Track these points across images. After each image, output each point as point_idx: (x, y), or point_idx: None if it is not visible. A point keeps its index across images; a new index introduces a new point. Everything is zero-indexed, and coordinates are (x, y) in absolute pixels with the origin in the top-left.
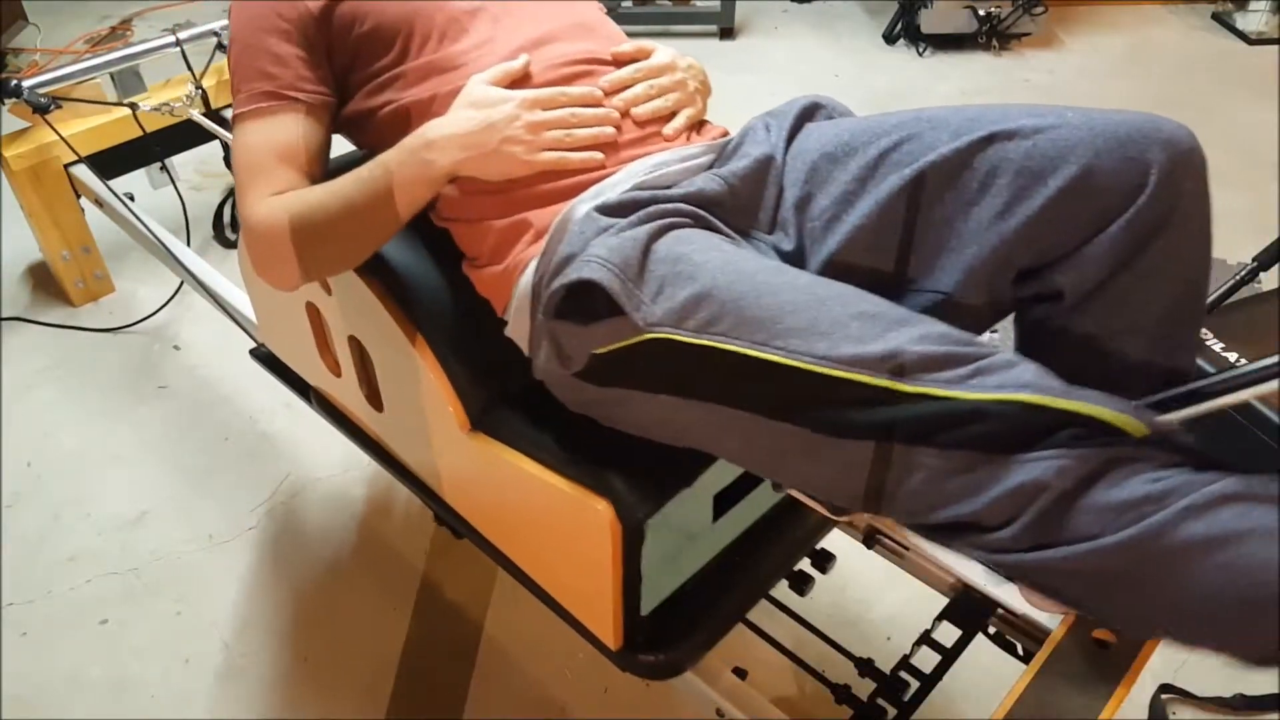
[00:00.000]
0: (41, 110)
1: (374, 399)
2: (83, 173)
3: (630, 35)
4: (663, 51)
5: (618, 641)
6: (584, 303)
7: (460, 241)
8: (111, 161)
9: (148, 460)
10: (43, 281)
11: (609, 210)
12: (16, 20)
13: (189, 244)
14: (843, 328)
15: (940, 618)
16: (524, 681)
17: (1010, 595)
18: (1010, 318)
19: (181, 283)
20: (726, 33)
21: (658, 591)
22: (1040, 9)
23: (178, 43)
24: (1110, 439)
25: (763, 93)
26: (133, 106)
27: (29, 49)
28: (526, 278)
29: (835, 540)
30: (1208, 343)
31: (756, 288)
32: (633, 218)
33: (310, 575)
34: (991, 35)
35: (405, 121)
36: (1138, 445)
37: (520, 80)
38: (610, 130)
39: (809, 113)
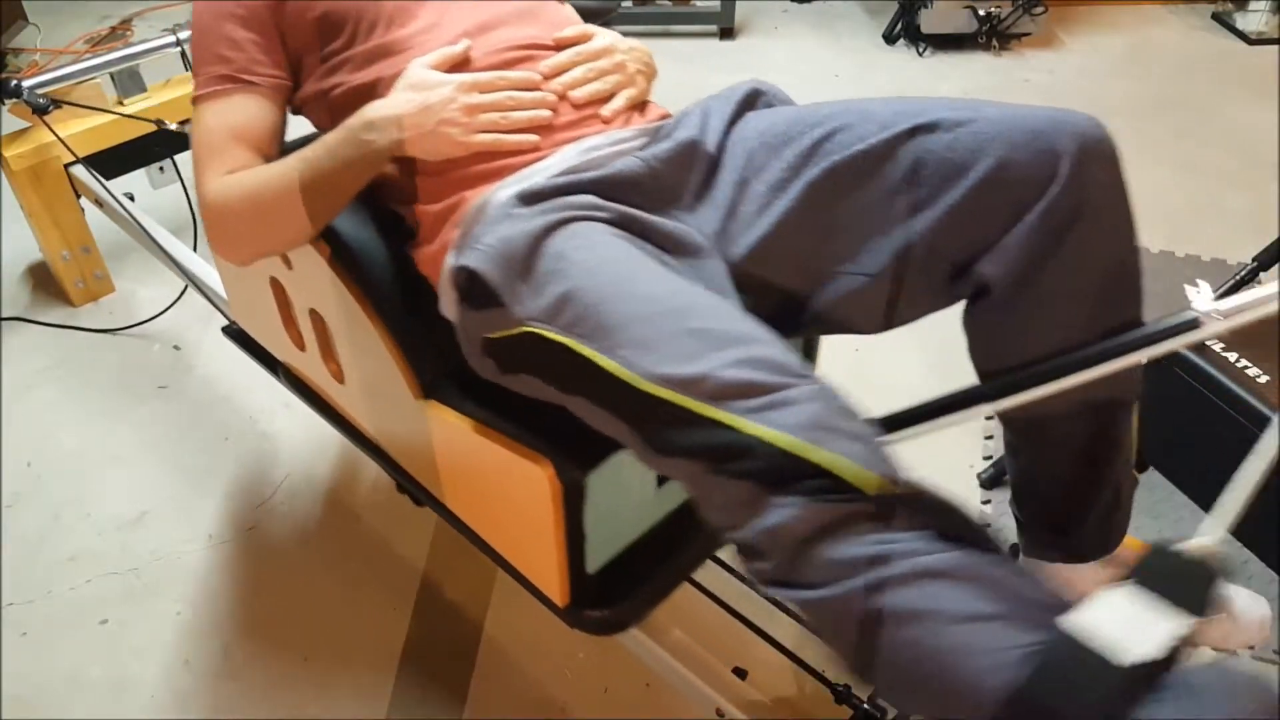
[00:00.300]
0: (40, 111)
1: (336, 372)
2: (83, 173)
3: (630, 36)
4: (603, 35)
5: (564, 598)
6: (478, 287)
7: (406, 221)
8: (111, 161)
9: (148, 460)
10: (43, 281)
11: (524, 198)
12: (16, 20)
13: (195, 245)
14: (672, 344)
15: None
16: (524, 681)
17: None
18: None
19: (185, 287)
20: (726, 33)
21: (603, 551)
22: (1040, 9)
23: (178, 43)
24: (850, 495)
25: None
26: (160, 123)
27: (29, 49)
28: (450, 257)
29: None
30: (1208, 344)
31: (615, 294)
32: (537, 208)
33: (310, 575)
34: (991, 35)
35: (353, 103)
36: (877, 503)
37: (461, 64)
38: (546, 113)
39: (750, 100)
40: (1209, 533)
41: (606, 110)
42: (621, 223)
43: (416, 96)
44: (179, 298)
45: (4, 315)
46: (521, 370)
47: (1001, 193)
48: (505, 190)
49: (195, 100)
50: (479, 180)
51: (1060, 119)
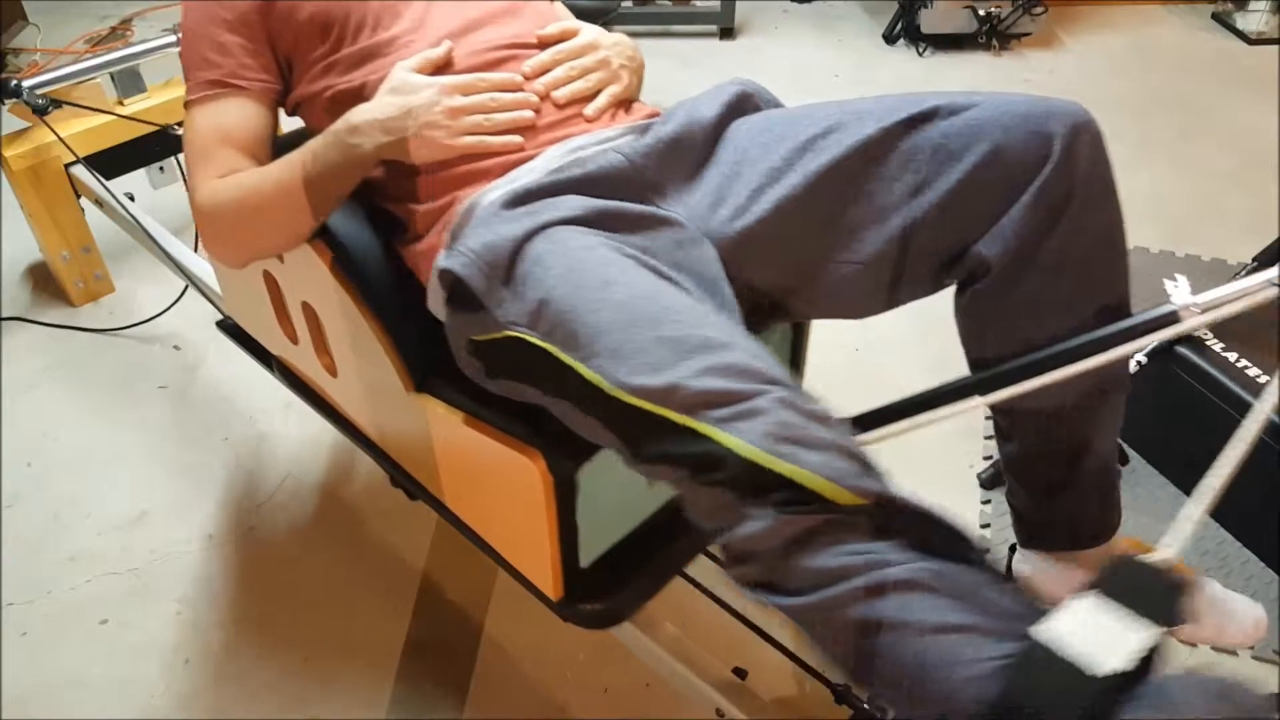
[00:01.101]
0: (40, 112)
1: (329, 365)
2: (83, 173)
3: (630, 36)
4: (587, 31)
5: (558, 592)
6: (463, 290)
7: (397, 218)
8: (112, 161)
9: (148, 460)
10: (43, 281)
11: (510, 201)
12: (16, 20)
13: (196, 245)
14: (644, 354)
15: None
16: (524, 681)
17: None
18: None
19: (186, 287)
20: (726, 33)
21: (596, 545)
22: (1040, 9)
23: (178, 43)
24: (819, 507)
25: None
26: (167, 129)
27: (29, 49)
28: (440, 259)
29: None
30: (1207, 342)
31: (588, 302)
32: (520, 210)
33: (310, 575)
34: (991, 35)
35: (342, 106)
36: (851, 514)
37: (444, 66)
38: (528, 114)
39: (740, 103)
40: (1170, 545)
41: (590, 109)
42: (602, 221)
43: (399, 100)
44: (179, 298)
45: (4, 315)
46: (506, 374)
47: (996, 175)
48: (492, 193)
49: (186, 105)
50: (468, 180)
51: (1050, 105)
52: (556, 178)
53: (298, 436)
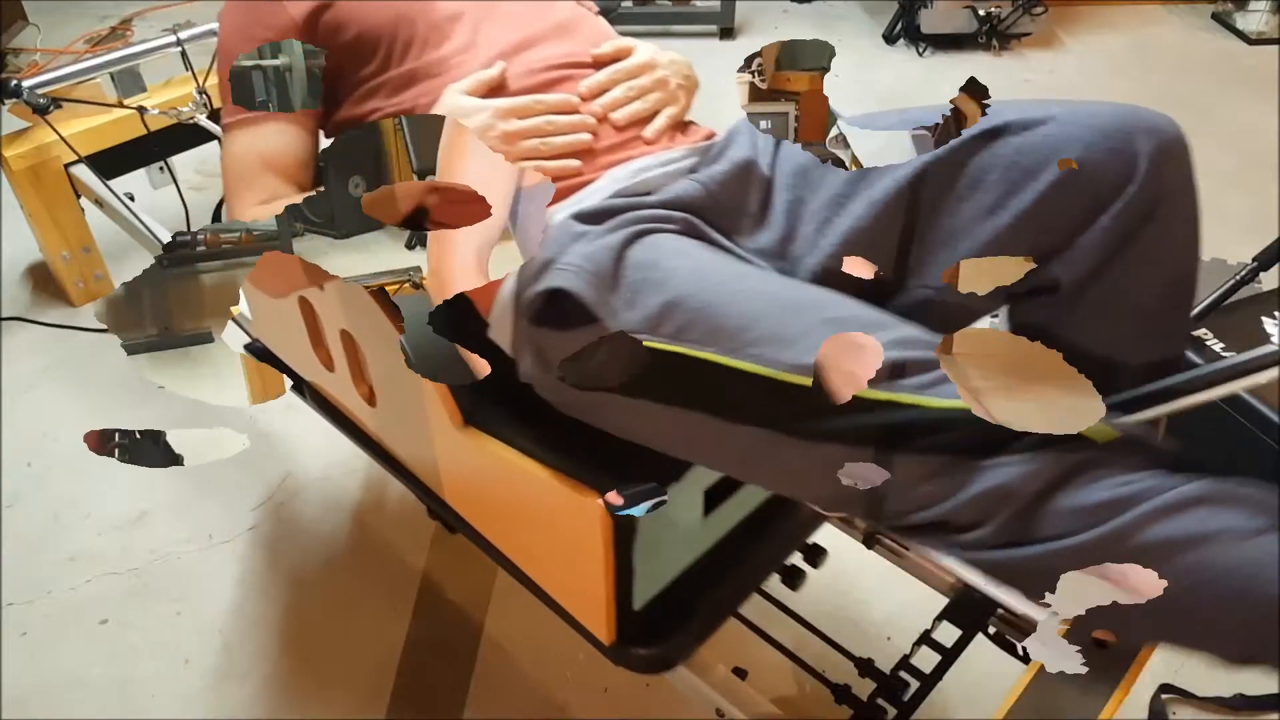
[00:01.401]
0: (41, 111)
1: (367, 394)
2: (83, 173)
3: (630, 35)
4: (643, 50)
5: (610, 636)
6: (561, 309)
7: None
8: (111, 161)
9: None
10: (43, 281)
11: (585, 218)
12: (16, 20)
13: None
14: (810, 335)
15: (940, 618)
16: (524, 681)
17: (1011, 595)
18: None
19: None
20: (726, 33)
21: (649, 586)
22: (1040, 9)
23: (178, 42)
24: (1075, 444)
25: None
26: (141, 110)
27: (29, 49)
28: (508, 285)
29: (834, 540)
30: (1208, 343)
31: (726, 295)
32: (609, 224)
33: (310, 575)
34: (991, 35)
35: None
36: (1104, 449)
37: (497, 87)
38: (586, 137)
39: None
40: None
41: (649, 131)
42: (693, 232)
43: None
44: None
45: (4, 315)
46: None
47: (1075, 194)
48: (561, 213)
49: (225, 127)
50: None
51: (1134, 117)
52: (628, 200)
53: (298, 436)
